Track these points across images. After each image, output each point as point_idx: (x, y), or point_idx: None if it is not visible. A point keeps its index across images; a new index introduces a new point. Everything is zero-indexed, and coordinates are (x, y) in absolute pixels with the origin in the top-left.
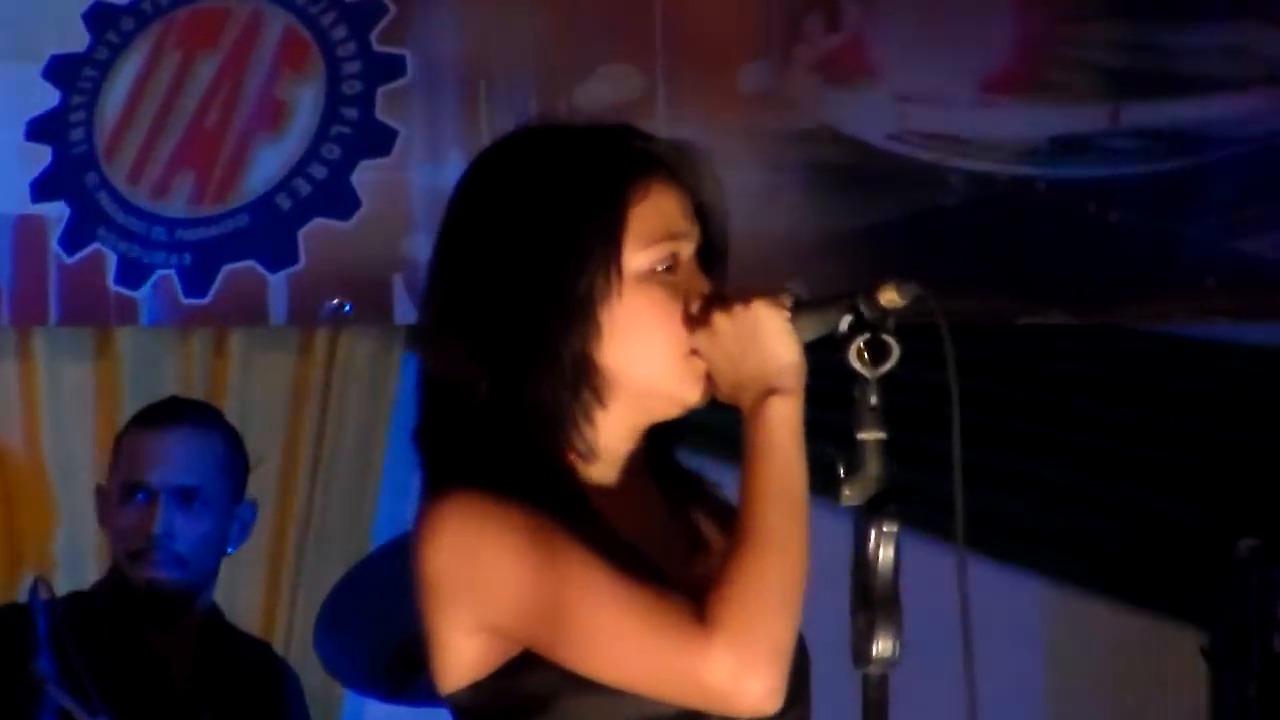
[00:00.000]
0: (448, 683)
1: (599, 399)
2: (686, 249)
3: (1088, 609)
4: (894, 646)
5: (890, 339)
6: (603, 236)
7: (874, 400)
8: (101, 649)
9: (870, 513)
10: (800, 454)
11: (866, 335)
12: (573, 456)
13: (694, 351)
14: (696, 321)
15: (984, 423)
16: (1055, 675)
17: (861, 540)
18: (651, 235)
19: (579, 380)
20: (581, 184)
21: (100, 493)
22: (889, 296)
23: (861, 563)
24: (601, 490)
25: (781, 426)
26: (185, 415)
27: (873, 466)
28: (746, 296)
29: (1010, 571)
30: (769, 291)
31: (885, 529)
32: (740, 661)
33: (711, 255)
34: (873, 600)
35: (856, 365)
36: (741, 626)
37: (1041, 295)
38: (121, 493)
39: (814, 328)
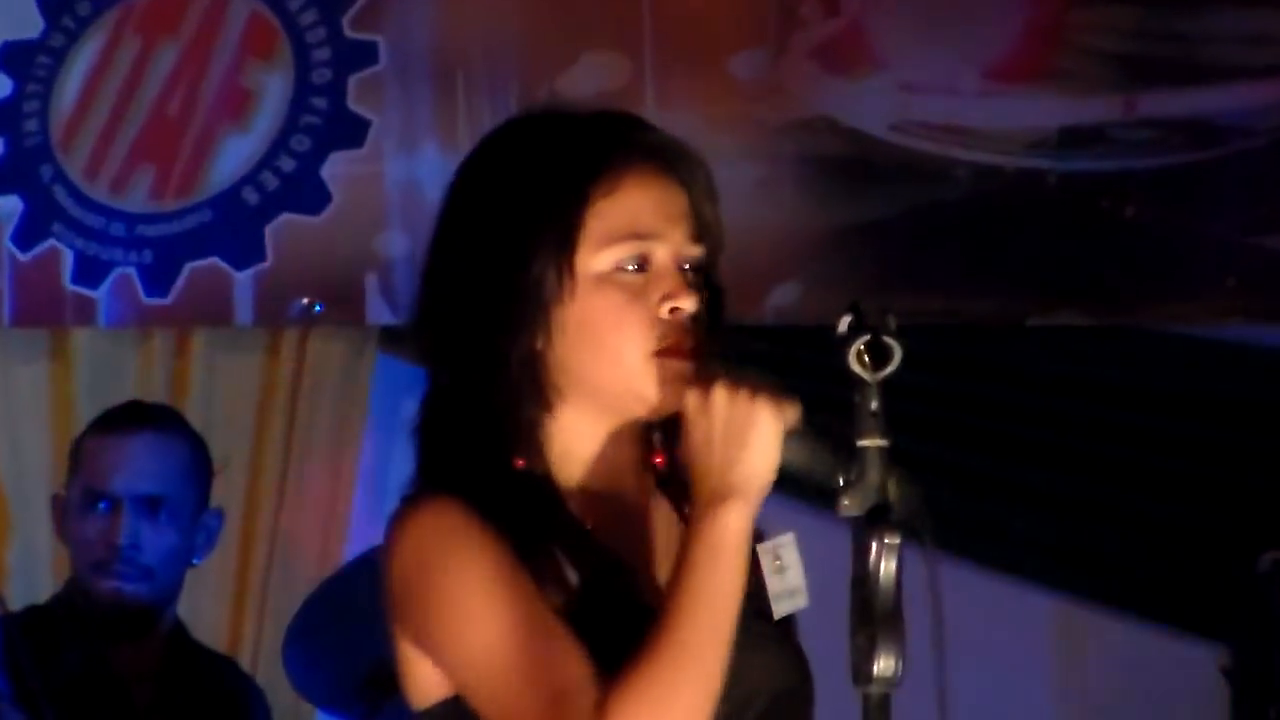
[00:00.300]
0: (417, 700)
1: (544, 399)
2: (661, 250)
3: (1102, 626)
4: (896, 665)
5: (892, 341)
6: (555, 234)
7: (874, 405)
8: (59, 667)
9: (871, 524)
10: (743, 569)
11: (867, 337)
12: (528, 459)
13: (664, 365)
14: (698, 380)
15: (990, 429)
16: (1067, 695)
17: (861, 553)
18: (612, 234)
19: (524, 379)
20: (543, 177)
21: (57, 502)
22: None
23: (862, 577)
24: (580, 493)
25: (733, 535)
26: (148, 420)
27: (873, 475)
28: (756, 388)
29: (1019, 586)
30: (779, 395)
31: (887, 541)
32: None
33: (703, 261)
34: (874, 616)
35: (856, 368)
36: None
37: (1052, 295)
38: (82, 501)
39: (802, 459)
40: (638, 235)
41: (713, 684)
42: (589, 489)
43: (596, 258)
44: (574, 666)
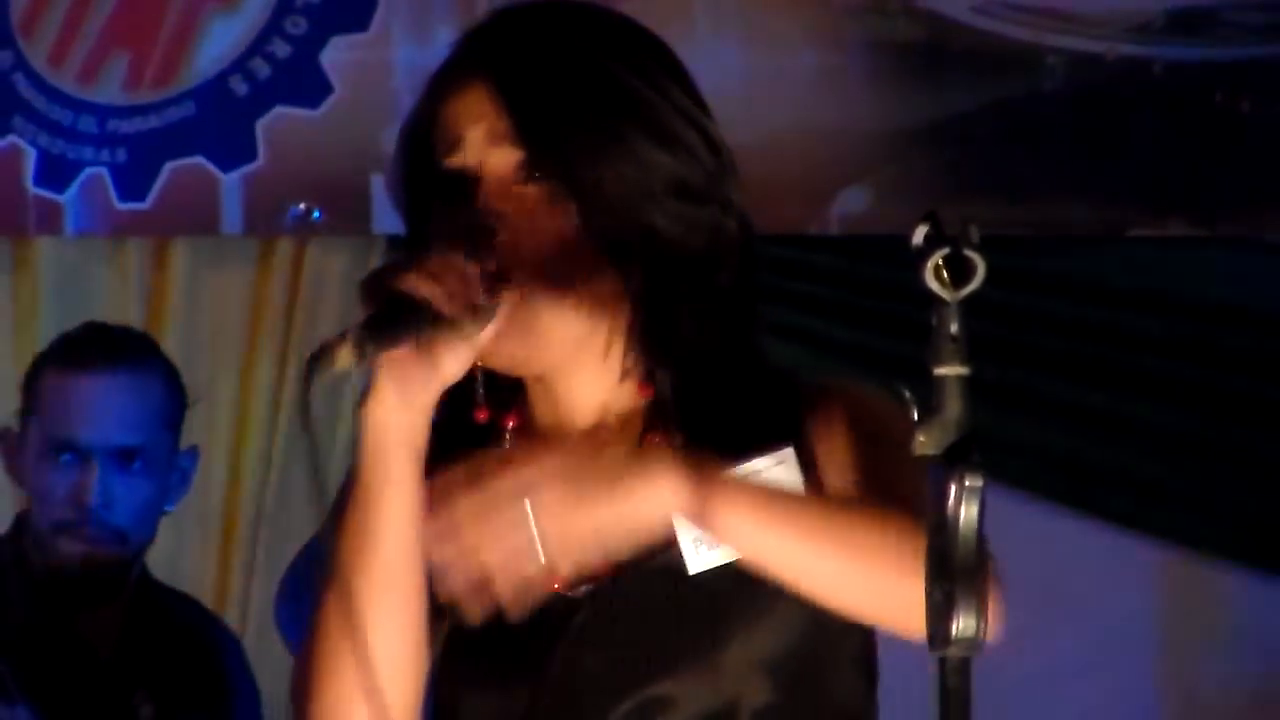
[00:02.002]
0: None
1: None
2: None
3: (1214, 579)
4: (978, 624)
5: (974, 255)
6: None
7: (954, 328)
8: (11, 625)
9: (950, 464)
10: (382, 483)
11: (946, 250)
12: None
13: None
14: None
15: (1088, 353)
16: (1174, 652)
17: (939, 497)
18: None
19: None
20: (405, 120)
21: (8, 439)
22: None
23: (939, 524)
24: (538, 433)
25: (363, 439)
26: (120, 355)
27: (953, 408)
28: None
29: (1122, 534)
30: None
31: (968, 483)
32: None
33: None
34: (952, 569)
35: (934, 286)
36: (306, 688)
37: (1156, 202)
38: (43, 449)
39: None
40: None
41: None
42: (546, 428)
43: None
44: None
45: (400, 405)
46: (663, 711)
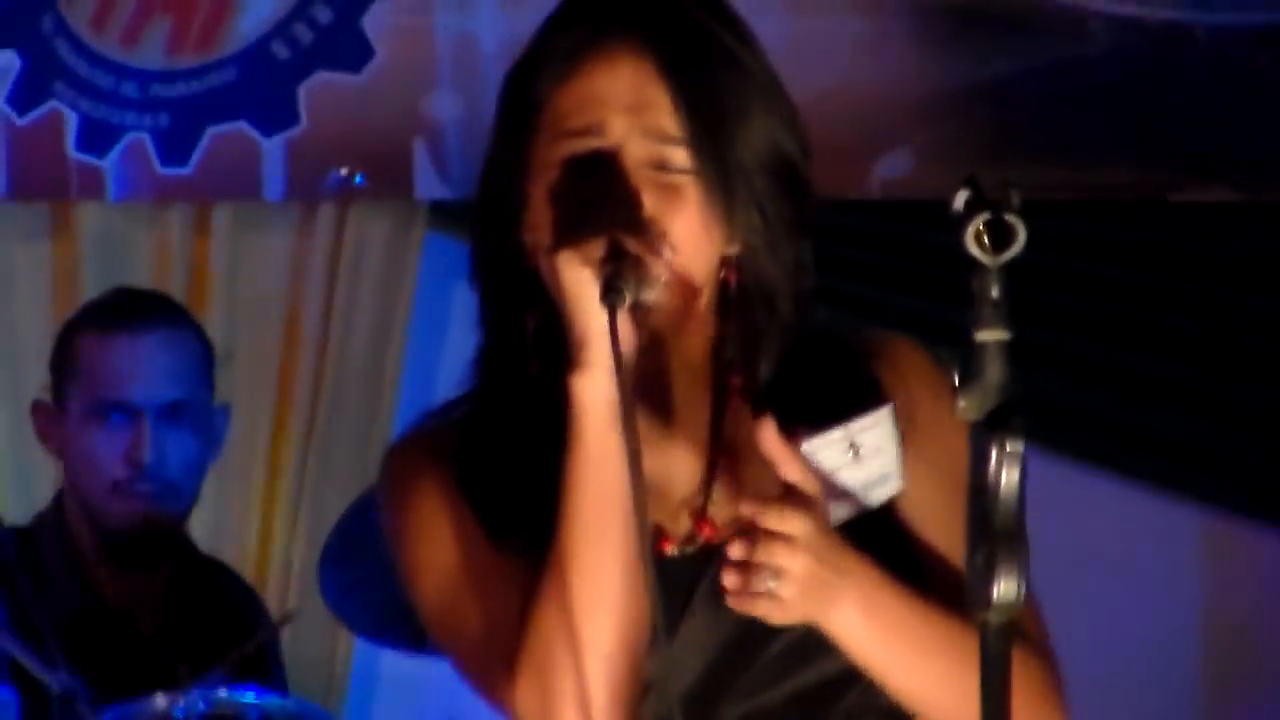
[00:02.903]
0: None
1: (521, 303)
2: (574, 147)
3: (1255, 543)
4: (1019, 588)
5: (1015, 219)
6: (510, 122)
7: (995, 293)
8: (54, 592)
9: (990, 428)
10: (610, 451)
11: (987, 214)
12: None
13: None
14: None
15: (1130, 318)
16: (1215, 615)
17: (980, 461)
18: (553, 129)
19: (508, 275)
20: (521, 59)
21: (43, 411)
22: None
23: (980, 488)
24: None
25: (585, 413)
26: (155, 315)
27: (993, 373)
28: (555, 248)
29: (1164, 497)
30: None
31: (1008, 448)
32: (544, 704)
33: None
34: (993, 533)
35: (974, 250)
36: (542, 666)
37: (1198, 167)
38: (89, 412)
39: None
40: (565, 133)
41: (606, 589)
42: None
43: (542, 152)
44: (500, 612)
45: (612, 370)
46: (827, 642)
